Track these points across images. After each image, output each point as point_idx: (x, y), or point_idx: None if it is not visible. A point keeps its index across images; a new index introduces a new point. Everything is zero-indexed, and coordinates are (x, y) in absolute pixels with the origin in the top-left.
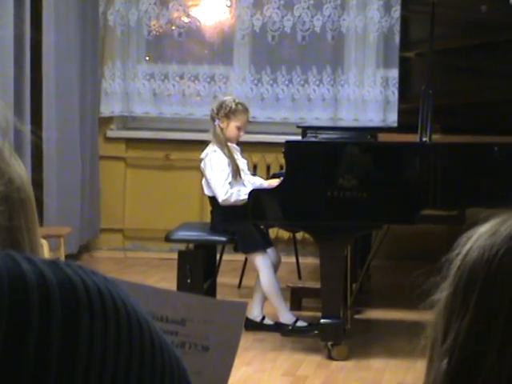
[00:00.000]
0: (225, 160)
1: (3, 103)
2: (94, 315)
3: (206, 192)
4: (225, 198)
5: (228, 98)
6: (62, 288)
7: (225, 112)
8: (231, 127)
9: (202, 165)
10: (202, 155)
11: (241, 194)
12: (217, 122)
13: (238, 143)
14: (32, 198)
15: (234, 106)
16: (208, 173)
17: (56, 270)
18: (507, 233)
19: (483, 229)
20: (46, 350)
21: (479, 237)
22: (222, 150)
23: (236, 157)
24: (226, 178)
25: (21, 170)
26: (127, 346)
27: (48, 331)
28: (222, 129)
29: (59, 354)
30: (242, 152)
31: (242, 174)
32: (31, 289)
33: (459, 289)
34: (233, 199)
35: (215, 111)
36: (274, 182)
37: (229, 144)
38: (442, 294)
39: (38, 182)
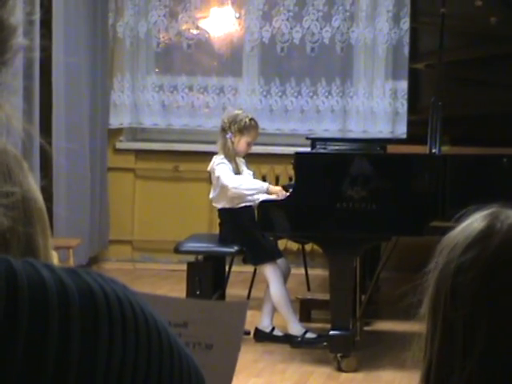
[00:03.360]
0: (232, 168)
1: (20, 116)
2: (113, 322)
3: (215, 204)
4: (236, 185)
5: (240, 113)
6: (82, 295)
7: (238, 127)
8: (242, 142)
9: (211, 172)
10: (210, 166)
11: (250, 184)
12: (229, 135)
13: (245, 155)
14: (44, 209)
15: (247, 122)
16: (217, 173)
17: (75, 278)
18: (463, 246)
19: (450, 238)
20: (65, 357)
21: (445, 248)
22: (230, 162)
23: (242, 169)
24: (234, 174)
25: (34, 182)
26: (146, 354)
27: (67, 338)
28: (232, 143)
29: (78, 360)
30: (247, 164)
31: None
32: (51, 296)
33: (431, 309)
34: (243, 188)
35: (227, 124)
36: (276, 188)
37: (236, 158)
38: (425, 310)
39: (47, 194)
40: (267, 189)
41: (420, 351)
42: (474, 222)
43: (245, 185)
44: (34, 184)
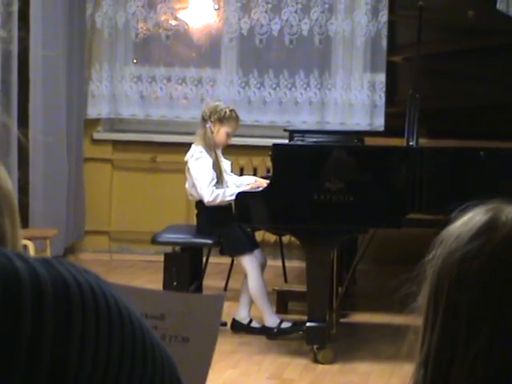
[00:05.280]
0: (210, 162)
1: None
2: (86, 312)
3: (190, 197)
4: (210, 199)
5: (221, 104)
6: (55, 285)
7: (218, 117)
8: (221, 132)
9: (188, 166)
10: (187, 156)
11: (226, 194)
12: (209, 124)
13: (224, 146)
14: (14, 199)
15: (228, 112)
16: (194, 173)
17: (48, 268)
18: (468, 236)
19: (451, 230)
20: (38, 346)
21: (447, 239)
22: (209, 153)
23: (221, 160)
24: (211, 179)
25: (4, 174)
26: (119, 343)
27: (41, 327)
28: (212, 132)
29: (51, 349)
30: (224, 154)
31: (224, 175)
32: (24, 285)
33: (431, 297)
34: (218, 200)
35: (208, 114)
36: (263, 182)
37: (215, 148)
38: (423, 300)
39: (24, 184)
40: None
41: (415, 341)
42: (477, 215)
43: (220, 198)
44: (3, 173)
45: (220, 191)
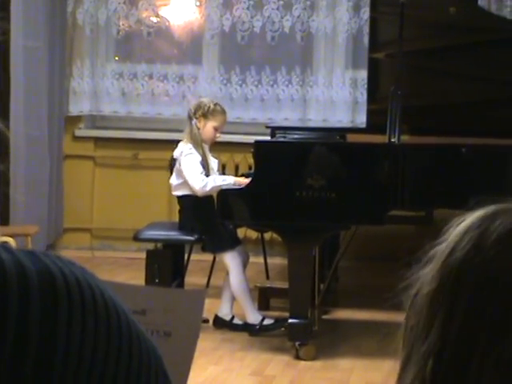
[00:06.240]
0: (199, 159)
1: None
2: (72, 304)
3: (175, 192)
4: (202, 184)
5: (205, 99)
6: (41, 277)
7: (203, 112)
8: (208, 127)
9: (178, 163)
10: (176, 154)
11: (216, 181)
12: (194, 121)
13: (212, 142)
14: None
15: (212, 106)
16: (184, 167)
17: (34, 260)
18: (497, 235)
19: (471, 221)
20: (24, 339)
21: (467, 230)
22: (197, 149)
23: (209, 157)
24: (201, 171)
25: None
26: (105, 336)
27: (26, 320)
28: (198, 129)
29: (37, 342)
30: (210, 151)
31: (211, 173)
32: (10, 278)
33: (446, 288)
34: (209, 187)
35: (193, 111)
36: (244, 181)
37: (203, 145)
38: (423, 288)
39: (5, 180)
40: (233, 184)
41: (401, 339)
42: (482, 213)
43: (211, 184)
44: None
45: (210, 178)
